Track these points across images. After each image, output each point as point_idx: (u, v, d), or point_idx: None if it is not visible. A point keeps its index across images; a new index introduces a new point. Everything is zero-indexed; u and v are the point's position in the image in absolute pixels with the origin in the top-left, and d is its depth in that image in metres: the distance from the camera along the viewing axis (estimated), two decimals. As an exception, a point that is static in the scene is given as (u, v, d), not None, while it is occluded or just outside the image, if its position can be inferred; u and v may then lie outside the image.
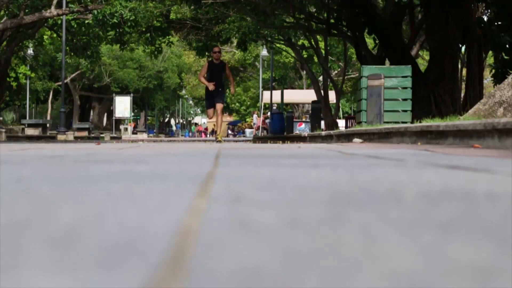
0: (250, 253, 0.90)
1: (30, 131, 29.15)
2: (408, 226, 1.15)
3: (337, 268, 0.81)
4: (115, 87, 54.02)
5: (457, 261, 0.86)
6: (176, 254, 0.90)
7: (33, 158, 4.25)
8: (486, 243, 0.99)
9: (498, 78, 19.54)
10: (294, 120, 34.72)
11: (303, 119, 39.77)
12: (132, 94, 50.38)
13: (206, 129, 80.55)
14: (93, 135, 34.33)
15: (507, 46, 20.31)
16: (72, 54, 31.42)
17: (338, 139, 13.06)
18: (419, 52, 29.88)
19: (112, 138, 32.82)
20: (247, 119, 68.41)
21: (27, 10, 25.00)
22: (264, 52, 39.98)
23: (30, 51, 36.21)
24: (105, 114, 59.40)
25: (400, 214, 1.31)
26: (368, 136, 10.92)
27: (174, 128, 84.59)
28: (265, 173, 2.63)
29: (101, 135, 34.14)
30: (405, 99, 14.60)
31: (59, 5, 24.49)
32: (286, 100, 37.22)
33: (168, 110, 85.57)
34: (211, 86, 15.05)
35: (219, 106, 15.05)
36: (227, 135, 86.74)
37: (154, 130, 69.69)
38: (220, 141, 14.04)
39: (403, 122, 13.24)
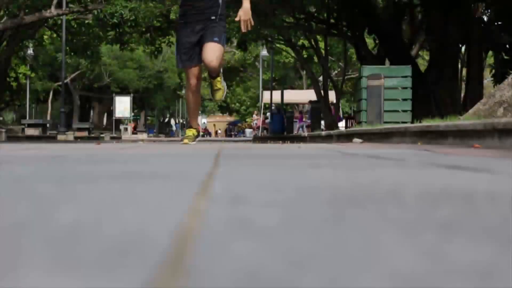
0: (250, 254, 0.90)
1: (30, 131, 29.16)
2: (409, 227, 1.15)
3: (338, 269, 0.81)
4: (115, 87, 54.07)
5: (458, 262, 0.86)
6: (177, 254, 0.90)
7: (33, 158, 4.25)
8: (487, 243, 0.99)
9: (498, 78, 19.56)
10: (294, 119, 34.76)
11: (304, 119, 39.82)
12: (132, 94, 50.39)
13: (205, 129, 78.30)
14: (93, 135, 34.33)
15: (507, 46, 20.33)
16: (72, 54, 31.43)
17: (338, 139, 13.06)
18: (419, 52, 29.88)
19: (112, 138, 32.82)
20: (247, 119, 68.45)
21: (27, 10, 24.99)
22: (264, 52, 39.99)
23: (30, 51, 36.22)
24: (105, 114, 59.44)
25: (400, 214, 1.31)
26: (368, 136, 10.92)
27: (174, 128, 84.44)
28: (265, 173, 2.63)
29: (101, 135, 34.13)
30: (405, 99, 14.62)
31: (59, 5, 24.49)
32: (286, 100, 37.24)
33: (168, 110, 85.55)
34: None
35: (210, 48, 7.18)
36: (216, 134, 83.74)
37: (154, 130, 69.65)
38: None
39: (403, 122, 13.24)
